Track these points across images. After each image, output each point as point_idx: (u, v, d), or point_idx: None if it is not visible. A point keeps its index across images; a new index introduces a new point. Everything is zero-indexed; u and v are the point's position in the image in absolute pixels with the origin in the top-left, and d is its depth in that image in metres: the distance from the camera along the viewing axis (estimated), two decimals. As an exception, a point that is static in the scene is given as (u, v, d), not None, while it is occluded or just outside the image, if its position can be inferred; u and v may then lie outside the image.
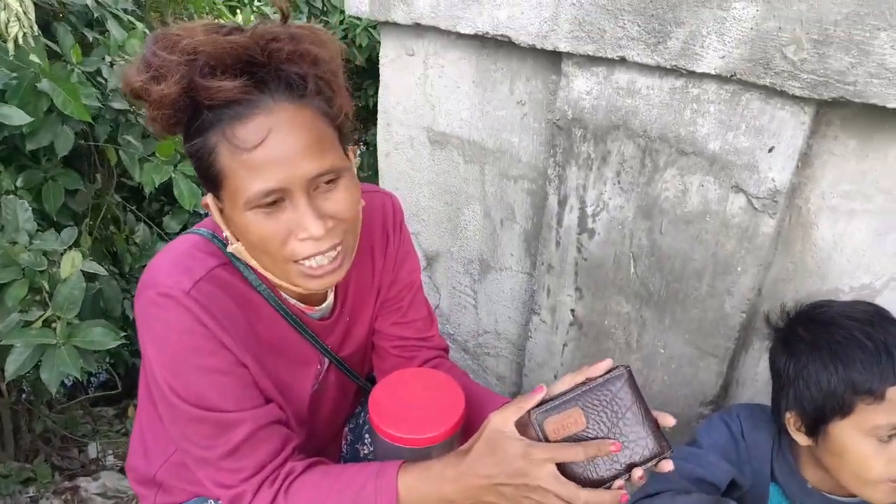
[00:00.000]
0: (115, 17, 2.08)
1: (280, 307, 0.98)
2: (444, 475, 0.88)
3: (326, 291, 1.07)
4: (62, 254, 1.52)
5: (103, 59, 1.94)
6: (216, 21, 0.83)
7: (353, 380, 1.19)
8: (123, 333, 1.53)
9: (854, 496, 1.06)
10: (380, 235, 1.13)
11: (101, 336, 1.48)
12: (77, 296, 1.50)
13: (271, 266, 0.90)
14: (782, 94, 1.09)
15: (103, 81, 1.93)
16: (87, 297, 1.55)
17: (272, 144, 0.79)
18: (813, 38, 1.00)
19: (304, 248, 0.85)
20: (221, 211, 0.89)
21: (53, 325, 1.47)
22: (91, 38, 2.07)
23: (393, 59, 1.66)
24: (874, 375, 0.93)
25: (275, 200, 0.82)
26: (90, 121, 1.74)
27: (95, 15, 2.06)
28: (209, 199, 0.89)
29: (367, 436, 1.26)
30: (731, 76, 1.11)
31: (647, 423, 0.84)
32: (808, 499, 1.10)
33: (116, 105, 1.97)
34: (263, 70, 0.79)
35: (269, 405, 0.95)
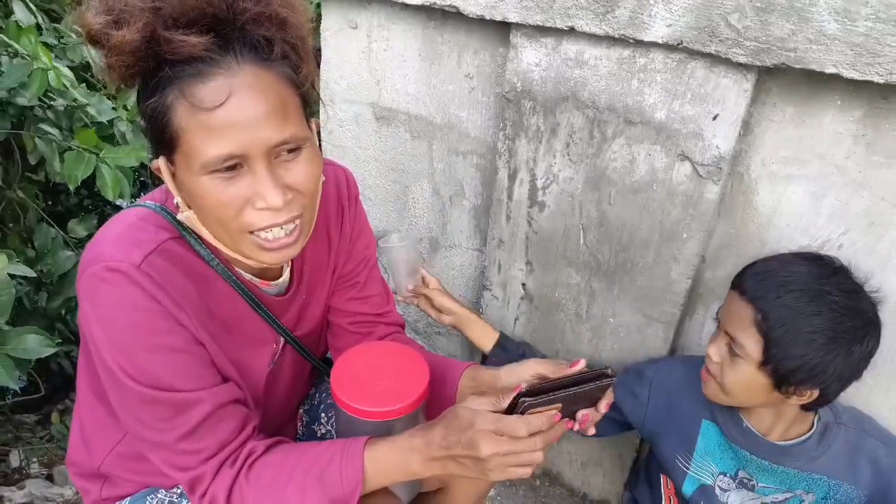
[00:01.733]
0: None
1: (235, 282, 0.94)
2: (412, 445, 0.87)
3: (282, 266, 1.03)
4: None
5: (6, 50, 1.78)
6: None
7: (308, 360, 1.15)
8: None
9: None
10: (335, 210, 1.10)
11: (36, 344, 1.42)
12: (6, 301, 1.42)
13: (224, 236, 0.85)
14: (726, 61, 1.12)
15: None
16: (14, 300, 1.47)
17: (233, 107, 0.75)
18: (756, 6, 1.03)
19: (261, 218, 0.82)
20: (174, 176, 0.84)
21: (-20, 330, 1.38)
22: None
23: (335, 32, 1.61)
24: None
25: (233, 166, 0.78)
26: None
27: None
28: (161, 162, 0.83)
29: (322, 416, 1.23)
30: (678, 44, 1.13)
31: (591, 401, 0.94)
32: (742, 438, 1.18)
33: (21, 101, 1.81)
34: (228, 28, 0.74)
35: (227, 383, 0.90)
